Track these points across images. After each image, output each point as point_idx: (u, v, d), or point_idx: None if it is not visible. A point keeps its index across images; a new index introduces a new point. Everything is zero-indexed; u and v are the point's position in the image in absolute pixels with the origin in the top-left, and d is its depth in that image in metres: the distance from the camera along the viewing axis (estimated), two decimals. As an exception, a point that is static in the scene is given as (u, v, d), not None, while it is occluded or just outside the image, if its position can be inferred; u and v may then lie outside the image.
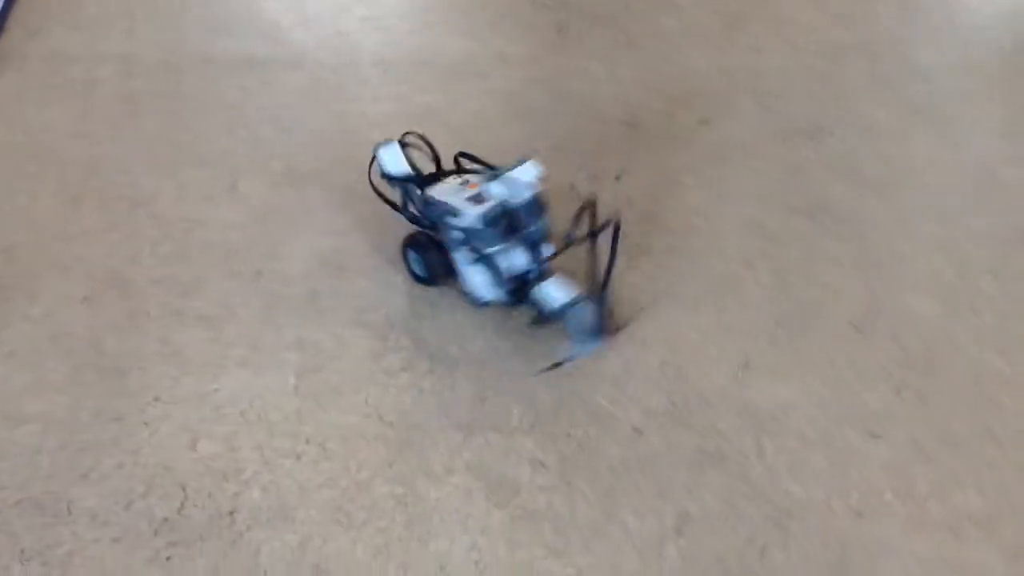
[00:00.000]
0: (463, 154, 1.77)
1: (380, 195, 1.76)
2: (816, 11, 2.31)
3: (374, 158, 1.72)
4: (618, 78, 2.15)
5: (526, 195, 1.56)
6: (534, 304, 1.61)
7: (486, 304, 1.67)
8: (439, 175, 1.74)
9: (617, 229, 1.60)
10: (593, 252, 1.59)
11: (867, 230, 1.87)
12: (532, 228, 1.58)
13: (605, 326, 1.60)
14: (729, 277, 1.78)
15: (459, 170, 1.75)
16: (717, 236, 1.85)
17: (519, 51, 2.20)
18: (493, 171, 1.62)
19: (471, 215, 1.58)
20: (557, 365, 1.60)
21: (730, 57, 2.21)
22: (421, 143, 1.76)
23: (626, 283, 1.74)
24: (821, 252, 1.83)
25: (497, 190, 1.57)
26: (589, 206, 1.62)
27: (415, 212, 1.71)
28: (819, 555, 1.43)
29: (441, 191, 1.65)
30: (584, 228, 1.62)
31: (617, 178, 1.94)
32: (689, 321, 1.71)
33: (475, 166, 1.76)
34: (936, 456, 1.54)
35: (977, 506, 1.49)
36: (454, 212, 1.60)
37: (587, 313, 1.57)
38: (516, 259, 1.61)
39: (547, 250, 1.62)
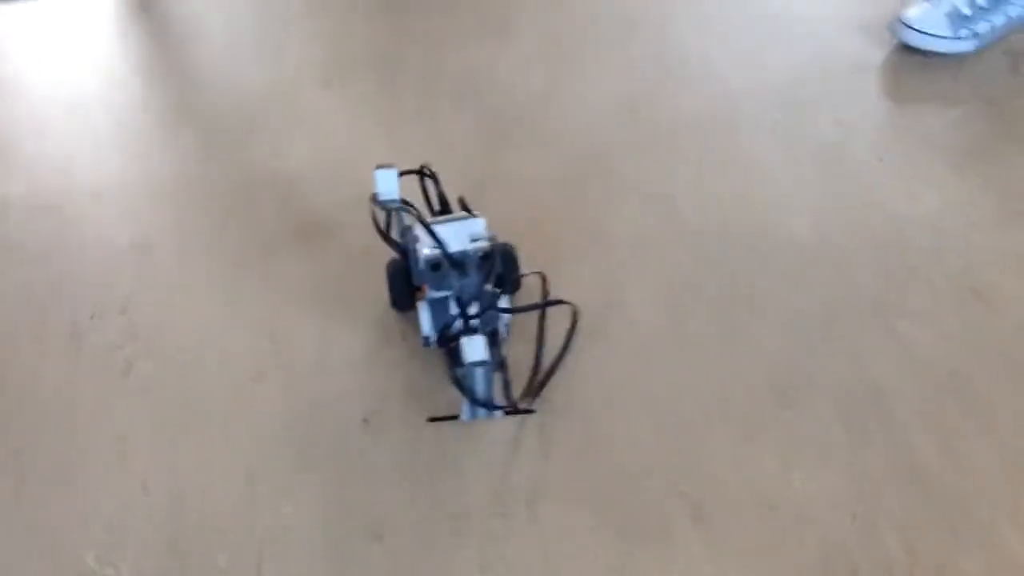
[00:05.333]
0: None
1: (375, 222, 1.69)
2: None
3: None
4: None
5: (458, 248, 1.54)
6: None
7: (427, 343, 1.63)
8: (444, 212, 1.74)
9: (575, 319, 1.66)
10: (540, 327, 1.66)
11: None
12: (461, 282, 1.54)
13: (494, 399, 1.54)
14: (237, 389, 1.70)
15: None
16: (226, 347, 1.77)
17: None
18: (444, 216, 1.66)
19: (422, 255, 1.54)
20: (446, 418, 1.58)
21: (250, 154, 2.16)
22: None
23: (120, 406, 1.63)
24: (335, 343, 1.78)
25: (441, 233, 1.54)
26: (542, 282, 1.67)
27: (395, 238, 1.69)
28: None
29: (438, 227, 1.57)
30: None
31: (123, 312, 1.84)
32: (190, 441, 1.61)
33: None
34: (439, 545, 1.50)
35: None
36: (414, 247, 1.57)
37: (483, 379, 1.50)
38: (451, 309, 1.58)
39: (474, 308, 1.56)
